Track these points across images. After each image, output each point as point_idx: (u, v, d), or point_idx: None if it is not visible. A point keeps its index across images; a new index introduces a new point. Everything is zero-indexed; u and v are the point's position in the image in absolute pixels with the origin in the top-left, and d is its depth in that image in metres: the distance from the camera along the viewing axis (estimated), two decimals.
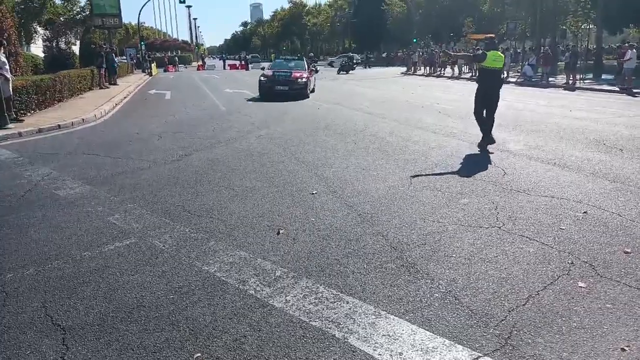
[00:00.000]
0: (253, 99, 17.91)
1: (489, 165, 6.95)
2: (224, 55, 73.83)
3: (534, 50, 30.59)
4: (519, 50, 37.78)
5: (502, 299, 3.23)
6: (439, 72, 34.32)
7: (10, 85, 12.01)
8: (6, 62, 11.67)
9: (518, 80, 25.40)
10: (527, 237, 4.29)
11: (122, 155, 8.41)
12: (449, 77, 30.99)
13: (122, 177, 6.79)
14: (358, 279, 3.52)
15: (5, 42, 13.79)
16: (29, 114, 13.25)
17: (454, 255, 3.90)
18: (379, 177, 6.35)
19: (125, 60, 43.49)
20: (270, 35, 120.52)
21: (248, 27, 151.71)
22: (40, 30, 38.78)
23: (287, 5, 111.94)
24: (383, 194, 5.61)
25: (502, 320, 2.98)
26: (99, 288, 3.50)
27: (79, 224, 4.91)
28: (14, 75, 13.93)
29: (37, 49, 38.42)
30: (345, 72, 38.55)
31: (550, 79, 24.83)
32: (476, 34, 50.01)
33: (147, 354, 2.71)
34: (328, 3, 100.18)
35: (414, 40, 46.12)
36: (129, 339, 2.86)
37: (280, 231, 4.45)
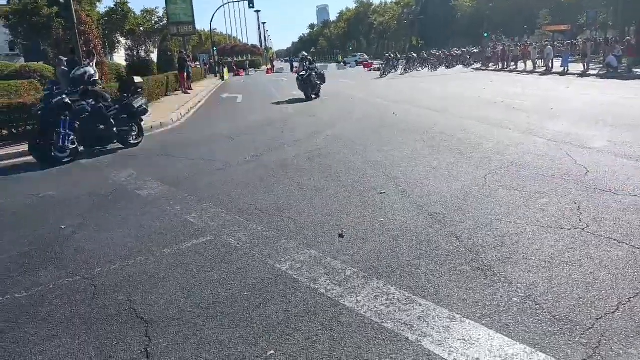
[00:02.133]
0: (318, 102, 18.04)
1: (569, 163, 6.54)
2: (291, 58, 75.36)
3: (617, 41, 28.53)
4: (600, 40, 35.38)
5: (588, 305, 3.02)
6: (512, 67, 32.88)
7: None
8: (96, 71, 12.59)
9: (600, 72, 23.79)
10: (614, 239, 3.99)
11: (198, 156, 8.77)
12: (522, 72, 29.60)
13: (198, 178, 7.08)
14: (431, 281, 3.44)
15: (94, 52, 14.83)
16: None
17: (533, 258, 3.70)
18: (450, 177, 6.17)
19: (199, 66, 45.34)
20: (337, 36, 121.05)
21: (315, 29, 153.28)
22: (122, 40, 41.34)
23: (353, 6, 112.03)
24: (455, 193, 5.44)
25: (589, 328, 2.79)
26: (178, 283, 3.66)
27: (159, 222, 5.18)
28: (102, 83, 14.92)
29: (119, 57, 41.00)
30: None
31: (635, 70, 23.03)
32: (552, 25, 47.32)
33: (223, 349, 2.79)
34: (395, 1, 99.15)
35: (485, 34, 44.49)
36: (206, 333, 2.96)
37: (343, 233, 4.41)
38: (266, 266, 3.88)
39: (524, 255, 3.76)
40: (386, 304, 3.17)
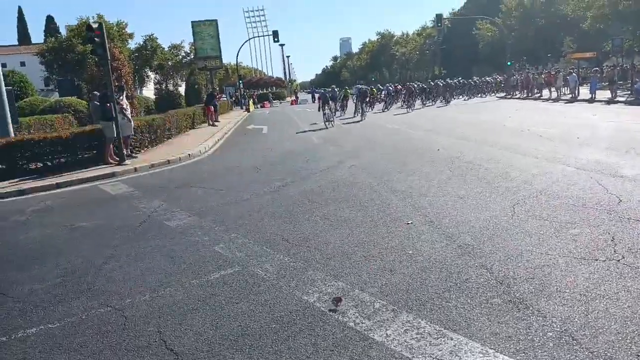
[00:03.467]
0: (342, 131, 18.18)
1: (601, 192, 6.40)
2: (313, 89, 76.76)
3: None
4: (627, 67, 34.89)
5: (627, 340, 2.91)
6: (537, 95, 32.62)
7: (132, 125, 13.40)
8: (128, 104, 13.04)
9: (628, 99, 23.40)
10: None
11: (225, 187, 8.90)
12: (547, 99, 29.33)
13: (226, 208, 7.17)
14: (462, 315, 3.37)
15: (124, 87, 15.36)
16: (142, 150, 14.54)
17: (567, 291, 3.60)
18: (478, 207, 6.10)
19: (225, 99, 46.40)
20: (359, 67, 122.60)
21: (338, 60, 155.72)
22: (151, 74, 42.73)
23: (375, 37, 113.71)
24: (484, 224, 5.37)
25: None
26: (207, 315, 3.68)
27: (187, 253, 5.24)
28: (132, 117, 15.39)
29: (148, 91, 42.29)
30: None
31: None
32: (577, 52, 46.94)
33: None
34: (417, 32, 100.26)
35: (509, 63, 44.38)
36: None
37: (339, 304, 3.66)
38: (293, 298, 3.87)
39: (557, 288, 3.66)
40: (416, 337, 3.11)
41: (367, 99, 25.72)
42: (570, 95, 27.78)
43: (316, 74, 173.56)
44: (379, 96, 34.36)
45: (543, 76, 33.29)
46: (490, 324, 3.22)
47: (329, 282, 4.11)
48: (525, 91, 34.16)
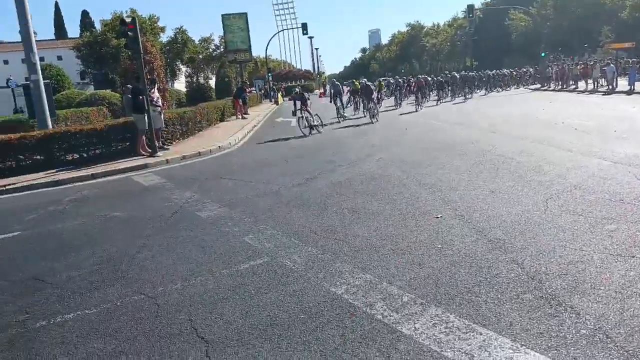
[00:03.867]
0: (368, 123, 18.07)
1: (639, 186, 6.19)
2: (340, 82, 76.65)
3: None
4: None
5: None
6: (572, 87, 31.69)
7: (163, 118, 13.65)
8: (159, 97, 13.29)
9: None
10: None
11: (254, 179, 8.99)
12: (582, 91, 28.46)
13: (255, 200, 7.25)
14: (492, 310, 3.33)
15: (156, 80, 15.65)
16: (174, 142, 14.80)
17: (602, 288, 3.51)
18: (510, 201, 5.99)
19: (254, 91, 46.74)
20: (389, 59, 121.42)
21: (366, 52, 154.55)
22: (182, 67, 43.32)
23: (405, 29, 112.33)
24: (516, 218, 5.27)
25: None
26: (237, 304, 3.74)
27: (217, 243, 5.33)
28: (163, 109, 15.68)
29: (180, 84, 42.91)
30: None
31: None
32: (616, 43, 45.38)
33: None
34: (448, 23, 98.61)
35: (542, 54, 43.18)
36: (263, 355, 3.00)
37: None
38: (321, 289, 3.89)
39: (591, 285, 3.58)
40: (445, 332, 3.09)
41: (373, 96, 21.47)
42: (608, 87, 26.89)
43: (345, 66, 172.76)
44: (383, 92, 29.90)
45: (579, 67, 32.32)
46: (521, 319, 3.17)
47: (356, 274, 4.12)
48: (560, 83, 33.25)
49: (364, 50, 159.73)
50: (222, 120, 23.11)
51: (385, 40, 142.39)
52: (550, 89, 33.48)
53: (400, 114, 21.47)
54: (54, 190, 9.91)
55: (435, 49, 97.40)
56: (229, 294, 3.95)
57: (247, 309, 3.66)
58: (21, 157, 11.77)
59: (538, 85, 36.76)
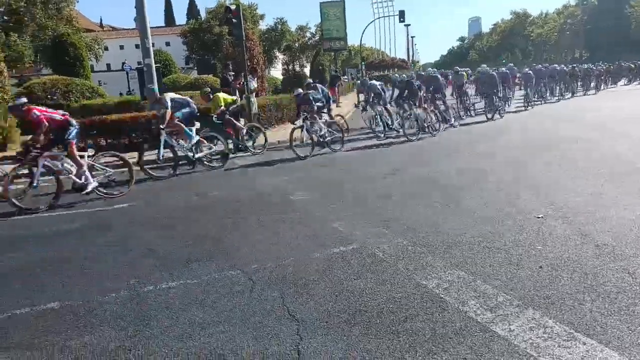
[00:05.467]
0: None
1: None
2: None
3: None
4: None
5: None
6: None
7: (255, 103, 14.17)
8: (256, 85, 13.84)
9: None
10: None
11: (346, 168, 9.07)
12: None
13: (347, 187, 7.35)
14: (597, 319, 3.10)
15: (256, 67, 16.26)
16: (270, 128, 15.33)
17: None
18: (620, 205, 5.50)
19: (347, 80, 46.86)
20: (489, 49, 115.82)
21: (465, 41, 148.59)
22: (279, 55, 44.48)
23: (508, 17, 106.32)
24: (627, 223, 4.84)
25: None
26: (327, 288, 3.82)
27: (308, 226, 5.47)
28: (260, 96, 16.29)
29: (276, 72, 44.12)
30: None
31: None
32: None
33: (371, 358, 2.84)
34: (557, 11, 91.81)
35: None
36: (353, 340, 3.04)
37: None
38: (412, 281, 3.85)
39: None
40: (543, 337, 2.94)
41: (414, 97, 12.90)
42: None
43: (441, 55, 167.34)
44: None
45: None
46: (631, 333, 2.92)
47: (449, 269, 4.03)
48: None
49: (462, 39, 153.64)
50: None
51: (486, 28, 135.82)
52: None
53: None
54: (163, 167, 10.67)
55: (541, 39, 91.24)
56: (319, 277, 4.04)
57: (336, 293, 3.72)
58: (133, 135, 12.79)
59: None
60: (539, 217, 5.23)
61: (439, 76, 15.95)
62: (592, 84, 27.53)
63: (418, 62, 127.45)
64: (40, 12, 31.05)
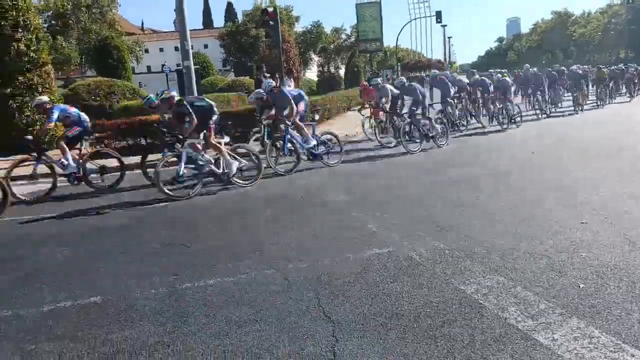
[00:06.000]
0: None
1: None
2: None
3: None
4: None
5: None
6: None
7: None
8: (292, 84, 13.93)
9: None
10: None
11: (377, 170, 9.01)
12: None
13: (384, 188, 7.33)
14: None
15: (292, 69, 16.39)
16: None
17: None
18: None
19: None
20: (528, 49, 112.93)
21: (504, 42, 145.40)
22: (315, 57, 44.62)
23: (549, 17, 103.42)
24: None
25: None
26: (362, 290, 3.79)
27: (343, 227, 5.46)
28: None
29: (311, 73, 44.27)
30: None
31: None
32: None
33: None
34: (600, 10, 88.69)
35: None
36: (389, 344, 3.00)
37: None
38: (449, 286, 3.78)
39: None
40: (588, 347, 2.83)
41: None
42: None
43: (478, 56, 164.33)
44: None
45: None
46: None
47: (487, 275, 3.93)
48: None
49: (500, 39, 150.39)
50: (349, 109, 23.43)
51: (525, 29, 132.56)
52: None
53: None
54: None
55: (584, 39, 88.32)
56: (355, 279, 4.01)
57: (372, 295, 3.69)
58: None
59: None
60: (583, 223, 5.05)
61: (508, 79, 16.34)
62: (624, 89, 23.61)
63: (455, 63, 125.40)
64: (85, 15, 32.18)
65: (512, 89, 15.52)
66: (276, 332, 3.24)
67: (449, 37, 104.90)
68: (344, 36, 56.98)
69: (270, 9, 13.69)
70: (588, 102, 20.04)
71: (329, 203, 6.70)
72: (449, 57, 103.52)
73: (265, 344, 3.10)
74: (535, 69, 20.32)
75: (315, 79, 39.72)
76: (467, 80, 15.72)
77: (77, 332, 3.41)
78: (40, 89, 13.23)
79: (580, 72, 20.53)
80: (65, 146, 8.27)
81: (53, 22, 33.05)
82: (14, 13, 12.93)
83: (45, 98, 8.90)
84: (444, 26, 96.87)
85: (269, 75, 15.12)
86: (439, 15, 47.47)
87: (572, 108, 18.36)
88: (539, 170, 7.98)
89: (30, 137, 8.40)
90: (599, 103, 19.84)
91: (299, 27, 51.67)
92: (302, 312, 3.51)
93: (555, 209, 5.65)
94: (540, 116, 16.61)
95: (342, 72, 46.70)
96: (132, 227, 6.25)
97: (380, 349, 2.95)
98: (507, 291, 3.62)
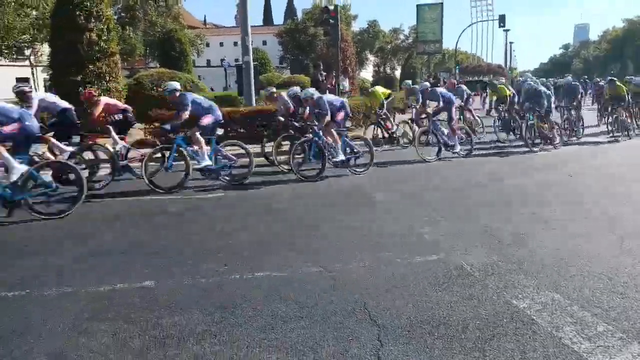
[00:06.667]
0: None
1: None
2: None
3: None
4: None
5: None
6: None
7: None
8: (347, 86, 13.89)
9: None
10: None
11: (433, 171, 8.84)
12: None
13: (435, 193, 7.17)
14: None
15: (348, 68, 16.37)
16: (357, 128, 15.36)
17: None
18: None
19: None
20: (595, 58, 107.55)
21: (569, 49, 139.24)
22: (370, 57, 44.36)
23: (621, 24, 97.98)
24: None
25: None
26: (410, 296, 3.74)
27: (392, 230, 5.42)
28: (351, 97, 16.32)
29: (366, 73, 44.08)
30: None
31: None
32: None
33: None
34: None
35: None
36: (436, 353, 2.94)
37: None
38: (501, 299, 3.66)
39: None
40: None
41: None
42: None
43: (541, 63, 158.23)
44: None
45: None
46: None
47: (542, 291, 3.78)
48: None
49: (566, 46, 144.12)
50: (403, 112, 23.14)
51: (594, 36, 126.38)
52: None
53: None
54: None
55: None
56: (402, 284, 3.96)
57: (419, 302, 3.63)
58: (228, 129, 13.35)
59: None
60: None
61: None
62: None
63: (515, 68, 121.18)
64: (152, 8, 33.46)
65: (552, 99, 12.65)
66: (321, 330, 3.25)
67: (510, 42, 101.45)
68: (402, 37, 56.37)
69: (332, 7, 13.73)
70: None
71: (377, 203, 6.66)
72: (510, 63, 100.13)
73: (309, 341, 3.11)
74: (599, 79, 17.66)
75: (370, 78, 39.54)
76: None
77: (130, 314, 3.55)
78: (107, 78, 13.88)
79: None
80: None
81: (123, 14, 34.56)
82: (89, 4, 13.62)
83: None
84: (506, 31, 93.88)
85: (325, 73, 15.19)
86: (502, 19, 45.91)
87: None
88: (598, 183, 7.58)
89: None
90: None
91: (355, 27, 51.57)
92: (348, 312, 3.50)
93: (615, 224, 5.35)
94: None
95: (397, 72, 46.25)
96: (188, 215, 6.43)
97: (425, 357, 2.90)
98: (563, 310, 3.46)
